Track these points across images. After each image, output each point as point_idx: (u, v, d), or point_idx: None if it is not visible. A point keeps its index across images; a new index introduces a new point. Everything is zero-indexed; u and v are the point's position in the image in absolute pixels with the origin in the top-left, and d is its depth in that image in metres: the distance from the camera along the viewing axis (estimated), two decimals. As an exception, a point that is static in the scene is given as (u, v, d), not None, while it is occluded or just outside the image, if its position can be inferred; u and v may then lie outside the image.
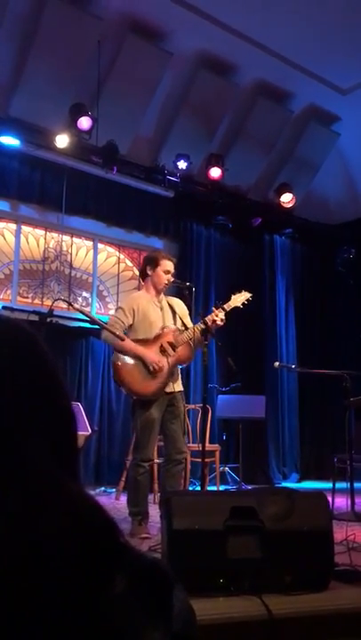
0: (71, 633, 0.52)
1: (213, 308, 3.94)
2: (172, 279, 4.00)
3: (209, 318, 3.83)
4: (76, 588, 0.53)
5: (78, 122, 6.16)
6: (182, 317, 4.04)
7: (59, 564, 0.53)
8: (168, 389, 3.84)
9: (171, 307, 4.04)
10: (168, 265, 3.97)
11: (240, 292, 4.15)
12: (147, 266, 4.02)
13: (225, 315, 3.90)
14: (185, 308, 4.11)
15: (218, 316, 3.83)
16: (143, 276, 4.08)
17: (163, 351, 3.85)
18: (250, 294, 4.15)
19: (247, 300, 4.12)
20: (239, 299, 4.10)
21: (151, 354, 3.81)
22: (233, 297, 4.10)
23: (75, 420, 0.65)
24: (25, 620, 0.51)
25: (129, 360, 3.82)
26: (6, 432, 0.56)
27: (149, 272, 3.99)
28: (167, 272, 3.96)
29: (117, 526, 0.60)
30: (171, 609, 0.59)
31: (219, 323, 3.83)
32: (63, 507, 0.55)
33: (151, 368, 3.77)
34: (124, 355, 3.83)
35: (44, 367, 0.63)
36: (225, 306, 3.98)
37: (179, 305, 4.10)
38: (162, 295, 4.06)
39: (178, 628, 0.58)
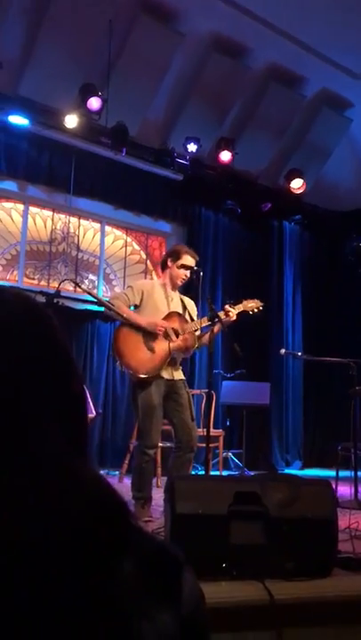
0: (79, 613, 0.52)
1: (226, 307, 3.92)
2: (189, 276, 3.96)
3: (221, 313, 3.83)
4: (85, 567, 0.53)
5: (88, 102, 6.10)
6: (191, 314, 4.04)
7: (69, 544, 0.53)
8: (167, 376, 3.82)
9: (183, 302, 4.05)
10: (188, 260, 3.95)
11: (253, 299, 4.12)
12: (168, 257, 4.02)
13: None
14: (195, 308, 4.12)
15: (230, 311, 3.84)
16: (163, 267, 4.06)
17: (166, 336, 3.83)
18: (262, 303, 4.12)
19: (258, 308, 4.09)
20: (250, 304, 4.07)
21: (151, 318, 3.80)
22: (244, 301, 4.08)
23: (86, 401, 0.64)
24: (34, 599, 0.51)
25: (132, 333, 3.81)
26: (20, 412, 0.56)
27: (169, 264, 3.98)
28: (185, 267, 3.93)
29: (128, 508, 0.60)
30: (180, 592, 0.59)
31: (231, 316, 3.83)
32: (74, 487, 0.56)
33: (157, 330, 3.76)
34: (131, 330, 3.81)
35: (57, 346, 0.62)
36: (234, 307, 3.96)
37: (190, 304, 4.11)
38: (176, 292, 4.05)
39: (187, 611, 0.58)
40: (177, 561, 0.60)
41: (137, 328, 3.81)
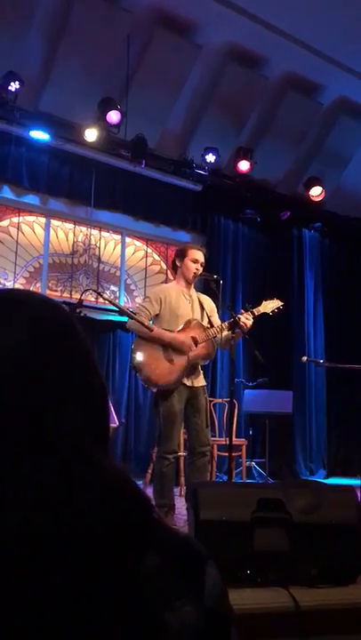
0: (103, 605, 0.53)
1: (242, 311, 3.93)
2: (201, 269, 3.99)
3: (239, 317, 3.83)
4: (108, 560, 0.54)
5: (107, 116, 6.19)
6: (210, 315, 4.03)
7: (92, 536, 0.54)
8: (189, 383, 3.84)
9: (200, 303, 4.04)
10: (196, 254, 3.98)
11: (272, 298, 4.13)
12: (176, 258, 4.06)
13: (253, 318, 3.91)
14: (213, 305, 4.11)
15: (248, 320, 3.84)
16: (174, 269, 4.11)
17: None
18: (281, 303, 4.13)
19: (278, 308, 4.11)
20: (270, 305, 4.08)
21: (180, 336, 3.81)
22: (264, 302, 4.09)
23: (106, 397, 0.66)
24: (57, 591, 0.52)
25: (151, 347, 3.82)
26: (44, 405, 0.57)
27: (178, 264, 4.02)
28: (195, 261, 3.96)
29: (150, 502, 0.61)
30: (203, 584, 0.59)
31: (247, 325, 3.84)
32: (97, 479, 0.56)
33: (185, 348, 3.78)
34: (150, 342, 3.83)
35: (79, 345, 0.65)
36: (254, 310, 3.96)
37: (208, 302, 4.10)
38: (193, 289, 4.06)
39: (210, 604, 0.59)
40: (200, 554, 0.61)
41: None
